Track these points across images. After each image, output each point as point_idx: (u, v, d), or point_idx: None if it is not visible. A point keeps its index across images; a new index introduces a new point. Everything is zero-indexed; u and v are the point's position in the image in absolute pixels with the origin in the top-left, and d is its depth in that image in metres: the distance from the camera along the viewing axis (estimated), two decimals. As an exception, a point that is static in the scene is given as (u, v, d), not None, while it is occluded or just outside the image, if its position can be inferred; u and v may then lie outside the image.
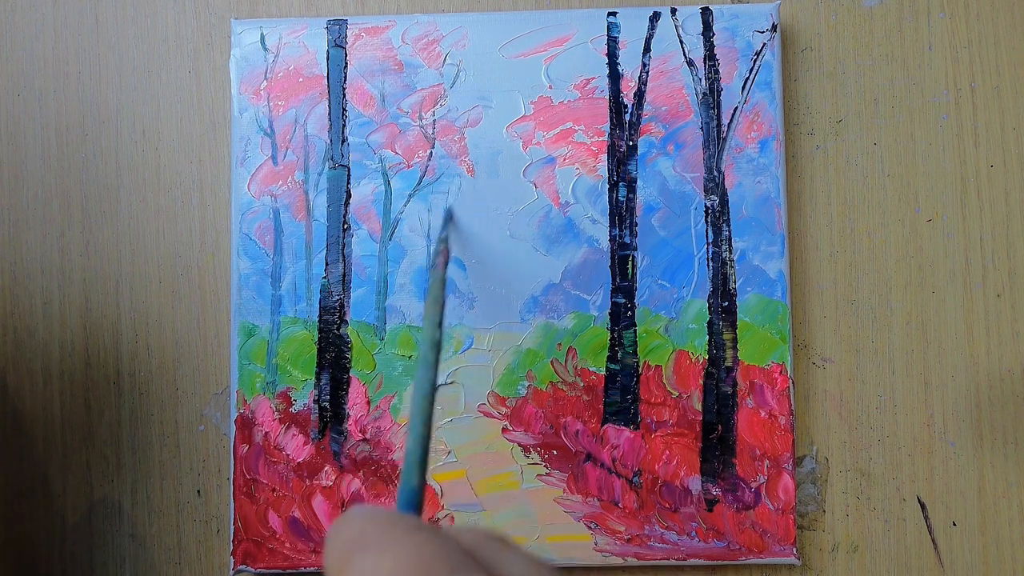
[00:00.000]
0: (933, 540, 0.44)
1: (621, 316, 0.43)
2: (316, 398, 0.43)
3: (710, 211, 0.43)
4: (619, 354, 0.43)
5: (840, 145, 0.45)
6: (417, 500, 0.26)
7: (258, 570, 0.43)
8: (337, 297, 0.44)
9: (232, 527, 0.43)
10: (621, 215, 0.44)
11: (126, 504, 0.45)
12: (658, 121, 0.44)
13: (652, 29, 0.44)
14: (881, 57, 0.45)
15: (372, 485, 0.43)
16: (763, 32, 0.44)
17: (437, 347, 0.30)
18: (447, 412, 0.43)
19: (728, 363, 0.43)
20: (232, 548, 0.43)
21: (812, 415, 0.44)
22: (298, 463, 0.43)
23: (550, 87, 0.44)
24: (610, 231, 0.44)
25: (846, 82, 0.45)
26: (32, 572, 0.44)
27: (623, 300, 0.43)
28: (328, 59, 0.44)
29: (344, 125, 0.44)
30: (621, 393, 0.43)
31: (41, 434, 0.45)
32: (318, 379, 0.43)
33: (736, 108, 0.44)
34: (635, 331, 0.43)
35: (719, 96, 0.44)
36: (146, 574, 0.44)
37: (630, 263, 0.43)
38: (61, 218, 0.46)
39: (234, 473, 0.43)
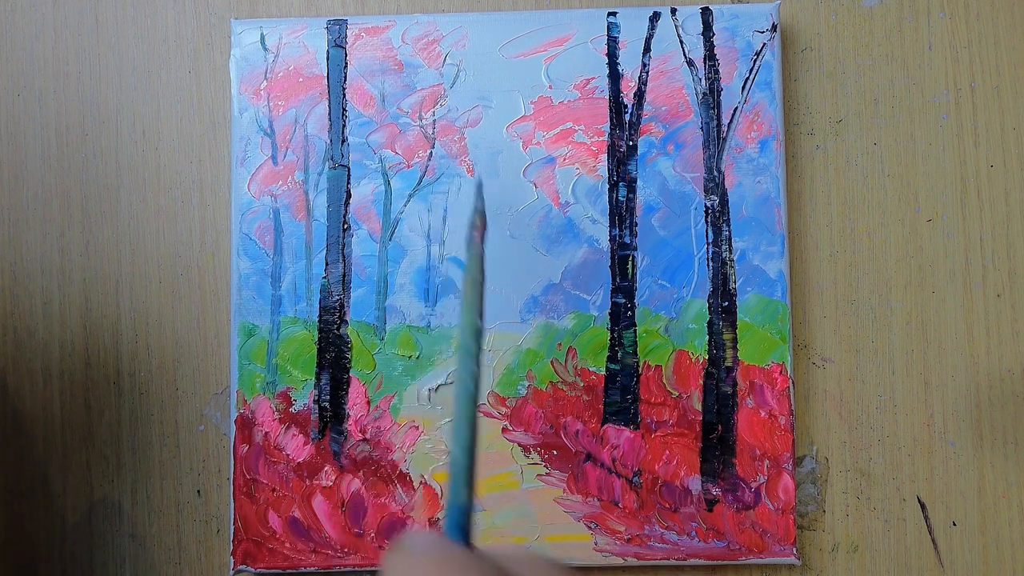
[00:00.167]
0: (933, 540, 0.44)
1: (621, 316, 0.43)
2: (316, 398, 0.43)
3: (710, 211, 0.43)
4: (619, 354, 0.43)
5: (840, 145, 0.45)
6: (466, 522, 0.23)
7: (258, 570, 0.43)
8: (337, 297, 0.44)
9: (232, 527, 0.43)
10: (621, 215, 0.44)
11: (126, 504, 0.45)
12: (658, 121, 0.44)
13: (652, 29, 0.44)
14: (881, 57, 0.45)
15: (372, 485, 0.43)
16: (763, 32, 0.44)
17: (478, 335, 0.27)
18: (447, 412, 0.43)
19: (728, 363, 0.43)
20: (232, 548, 0.43)
21: (812, 415, 0.44)
22: (298, 463, 0.43)
23: (550, 87, 0.44)
24: (610, 231, 0.44)
25: (846, 82, 0.45)
26: (32, 572, 0.44)
27: (623, 300, 0.43)
28: (328, 59, 0.44)
29: (344, 125, 0.44)
30: (621, 393, 0.43)
31: (41, 434, 0.45)
32: (318, 379, 0.43)
33: (736, 108, 0.44)
34: (635, 331, 0.43)
35: (719, 96, 0.44)
36: (146, 574, 0.44)
37: (630, 263, 0.43)
38: (61, 218, 0.46)
39: (234, 473, 0.43)
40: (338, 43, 0.44)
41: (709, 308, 0.43)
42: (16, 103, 0.46)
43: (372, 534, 0.43)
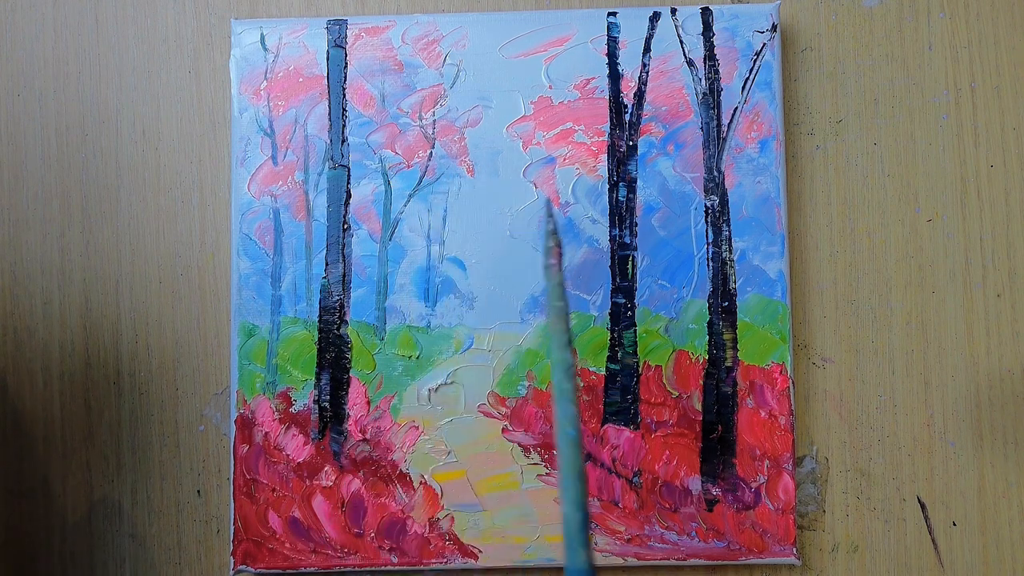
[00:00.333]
0: (933, 540, 0.44)
1: (621, 316, 0.43)
2: (316, 398, 0.43)
3: (710, 211, 0.43)
4: (619, 354, 0.43)
5: (840, 145, 0.45)
6: None
7: (258, 570, 0.43)
8: (337, 297, 0.44)
9: (232, 527, 0.43)
10: (621, 215, 0.44)
11: (126, 504, 0.45)
12: (658, 121, 0.44)
13: (652, 29, 0.44)
14: (881, 57, 0.45)
15: (372, 485, 0.43)
16: (763, 32, 0.44)
17: (571, 371, 0.24)
18: (447, 412, 0.43)
19: (728, 363, 0.43)
20: (232, 548, 0.43)
21: (812, 415, 0.44)
22: (298, 463, 0.43)
23: (550, 87, 0.44)
24: (610, 231, 0.44)
25: (846, 82, 0.45)
26: (32, 572, 0.44)
27: (623, 300, 0.43)
28: (328, 59, 0.44)
29: (344, 125, 0.44)
30: (621, 393, 0.43)
31: (41, 434, 0.45)
32: (318, 379, 0.43)
33: (736, 108, 0.44)
34: (635, 331, 0.43)
35: (719, 96, 0.44)
36: (146, 574, 0.44)
37: (630, 263, 0.43)
38: (61, 218, 0.46)
39: (234, 473, 0.43)
40: (338, 43, 0.44)
41: (709, 308, 0.43)
42: (16, 103, 0.46)
43: (372, 534, 0.43)
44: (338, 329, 0.44)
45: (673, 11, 0.44)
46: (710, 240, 0.43)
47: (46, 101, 0.46)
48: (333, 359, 0.43)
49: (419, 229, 0.44)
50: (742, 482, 0.43)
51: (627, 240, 0.43)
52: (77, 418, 0.45)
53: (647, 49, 0.44)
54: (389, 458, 0.43)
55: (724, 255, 0.43)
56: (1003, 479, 0.44)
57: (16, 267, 0.45)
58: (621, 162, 0.44)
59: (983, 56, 0.45)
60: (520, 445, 0.43)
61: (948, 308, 0.44)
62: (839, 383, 0.44)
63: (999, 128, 0.45)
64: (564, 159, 0.44)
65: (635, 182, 0.44)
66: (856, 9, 0.45)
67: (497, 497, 0.43)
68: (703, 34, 0.44)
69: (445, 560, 0.42)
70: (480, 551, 0.43)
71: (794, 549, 0.42)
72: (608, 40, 0.44)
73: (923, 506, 0.44)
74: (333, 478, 0.43)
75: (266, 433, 0.43)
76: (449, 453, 0.43)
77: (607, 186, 0.44)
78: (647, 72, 0.44)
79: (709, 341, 0.43)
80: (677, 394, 0.43)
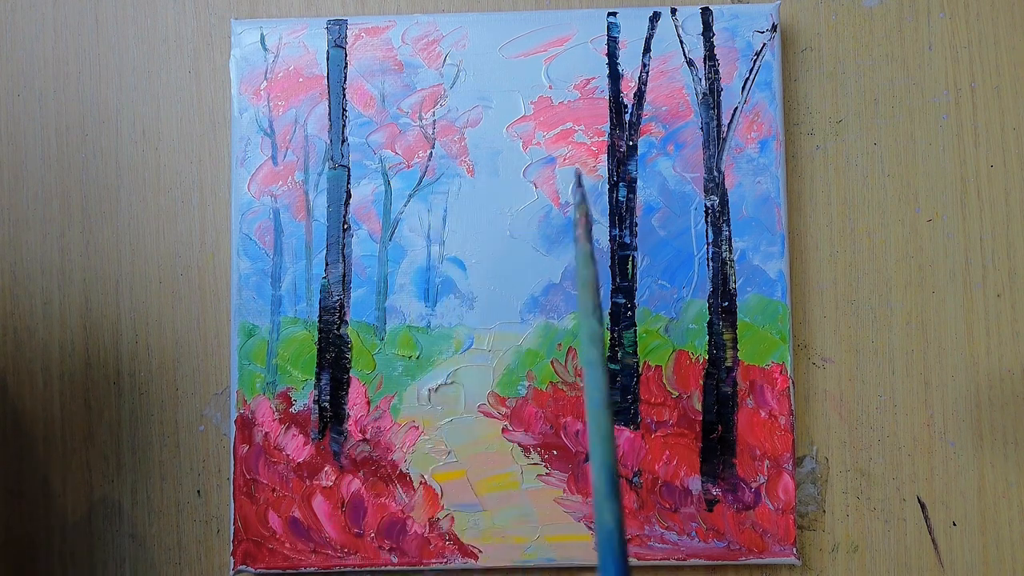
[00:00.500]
0: (933, 540, 0.44)
1: (621, 316, 0.43)
2: (316, 398, 0.43)
3: (710, 211, 0.43)
4: (619, 354, 0.43)
5: (840, 145, 0.45)
6: (621, 548, 0.21)
7: (258, 570, 0.43)
8: (337, 297, 0.44)
9: (232, 527, 0.43)
10: (621, 215, 0.44)
11: (126, 504, 0.45)
12: (658, 121, 0.44)
13: (652, 29, 0.44)
14: (881, 57, 0.45)
15: (372, 485, 0.43)
16: (763, 32, 0.44)
17: (600, 342, 0.23)
18: (447, 412, 0.43)
19: (728, 363, 0.43)
20: (232, 548, 0.43)
21: (812, 415, 0.44)
22: (298, 463, 0.43)
23: (550, 87, 0.44)
24: (610, 231, 0.44)
25: (846, 82, 0.45)
26: (32, 572, 0.44)
27: (623, 300, 0.43)
28: (328, 59, 0.44)
29: (344, 125, 0.44)
30: (621, 393, 0.43)
31: (41, 434, 0.45)
32: (318, 379, 0.43)
33: (736, 108, 0.44)
34: (635, 331, 0.43)
35: (719, 96, 0.44)
36: (146, 574, 0.44)
37: (630, 263, 0.43)
38: (61, 218, 0.46)
39: (234, 473, 0.43)
40: (338, 43, 0.44)
41: (709, 308, 0.43)
42: (16, 103, 0.46)
43: (372, 534, 0.43)
44: (338, 329, 0.44)
45: (673, 11, 0.44)
46: (710, 240, 0.43)
47: (46, 101, 0.46)
48: (333, 359, 0.43)
49: (419, 229, 0.44)
50: (742, 482, 0.43)
51: (627, 240, 0.43)
52: (77, 418, 0.45)
53: (647, 49, 0.44)
54: (389, 458, 0.43)
55: (724, 255, 0.43)
56: (1003, 479, 0.44)
57: (16, 267, 0.45)
58: (621, 162, 0.44)
59: (983, 56, 0.45)
60: (520, 445, 0.43)
61: (948, 308, 0.44)
62: (839, 383, 0.44)
63: (999, 128, 0.45)
64: (564, 159, 0.44)
65: (635, 182, 0.44)
66: (856, 9, 0.45)
67: (497, 497, 0.43)
68: (703, 34, 0.44)
69: (445, 560, 0.42)
70: (480, 551, 0.43)
71: (794, 549, 0.42)
72: (608, 40, 0.44)
73: (923, 506, 0.44)
74: (333, 478, 0.43)
75: (266, 433, 0.43)
76: (449, 453, 0.43)
77: (607, 186, 0.44)
78: (647, 72, 0.44)
79: (709, 341, 0.43)
80: (677, 394, 0.43)
